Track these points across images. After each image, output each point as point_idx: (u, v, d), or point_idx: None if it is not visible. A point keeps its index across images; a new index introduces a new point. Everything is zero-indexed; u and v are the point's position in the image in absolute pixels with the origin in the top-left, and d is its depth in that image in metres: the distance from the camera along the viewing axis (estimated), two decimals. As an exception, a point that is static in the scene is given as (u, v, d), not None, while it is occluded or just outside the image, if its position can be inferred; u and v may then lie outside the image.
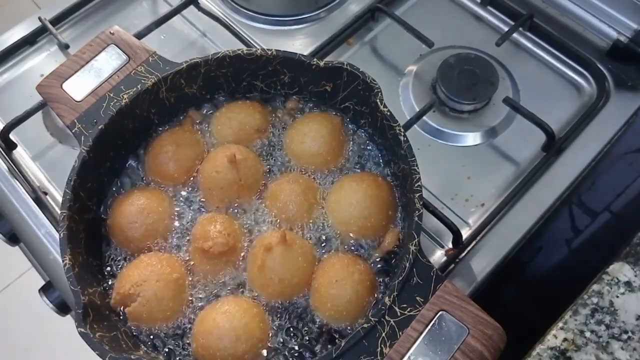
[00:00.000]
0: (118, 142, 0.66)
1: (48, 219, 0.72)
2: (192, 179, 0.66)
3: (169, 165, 0.65)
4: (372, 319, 0.51)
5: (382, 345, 0.50)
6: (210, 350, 0.55)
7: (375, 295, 0.58)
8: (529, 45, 0.85)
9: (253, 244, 0.62)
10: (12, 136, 0.78)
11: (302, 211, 0.63)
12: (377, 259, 0.61)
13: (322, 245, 0.62)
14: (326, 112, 0.69)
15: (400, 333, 0.50)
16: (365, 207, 0.61)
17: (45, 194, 0.74)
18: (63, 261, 0.55)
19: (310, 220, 0.63)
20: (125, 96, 0.64)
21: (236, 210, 0.64)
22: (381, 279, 0.60)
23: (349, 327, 0.57)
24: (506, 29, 0.84)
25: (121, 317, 0.58)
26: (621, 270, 0.57)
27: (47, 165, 0.78)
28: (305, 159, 0.66)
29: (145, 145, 0.68)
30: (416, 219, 0.55)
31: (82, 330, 0.51)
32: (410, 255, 0.53)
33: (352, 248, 0.62)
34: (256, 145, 0.69)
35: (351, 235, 0.62)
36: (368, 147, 0.68)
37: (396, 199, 0.64)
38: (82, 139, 0.61)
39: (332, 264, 0.59)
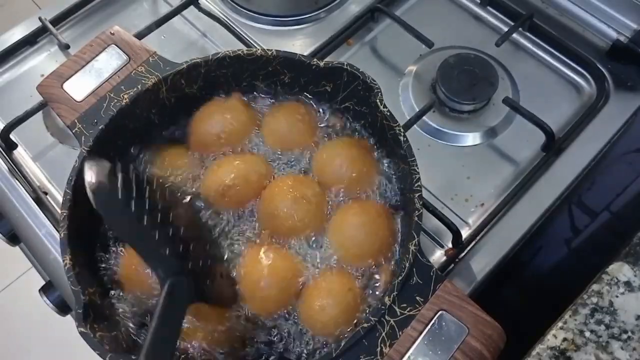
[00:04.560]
0: (118, 142, 0.66)
1: (48, 219, 0.72)
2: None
3: (218, 131, 0.65)
4: (372, 318, 0.51)
5: (382, 345, 0.50)
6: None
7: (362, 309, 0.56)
8: (529, 45, 0.85)
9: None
10: (13, 136, 0.78)
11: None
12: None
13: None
14: (352, 136, 0.67)
15: (400, 333, 0.51)
16: (370, 232, 0.59)
17: (46, 194, 0.74)
18: (63, 261, 0.55)
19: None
20: (125, 96, 0.64)
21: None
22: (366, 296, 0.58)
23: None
24: (506, 29, 0.84)
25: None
26: (621, 270, 0.58)
27: (48, 165, 0.78)
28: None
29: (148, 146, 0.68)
30: (416, 219, 0.55)
31: (83, 330, 0.51)
32: (410, 255, 0.53)
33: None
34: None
35: (348, 258, 0.59)
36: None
37: (397, 229, 0.61)
38: (83, 139, 0.61)
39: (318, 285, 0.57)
